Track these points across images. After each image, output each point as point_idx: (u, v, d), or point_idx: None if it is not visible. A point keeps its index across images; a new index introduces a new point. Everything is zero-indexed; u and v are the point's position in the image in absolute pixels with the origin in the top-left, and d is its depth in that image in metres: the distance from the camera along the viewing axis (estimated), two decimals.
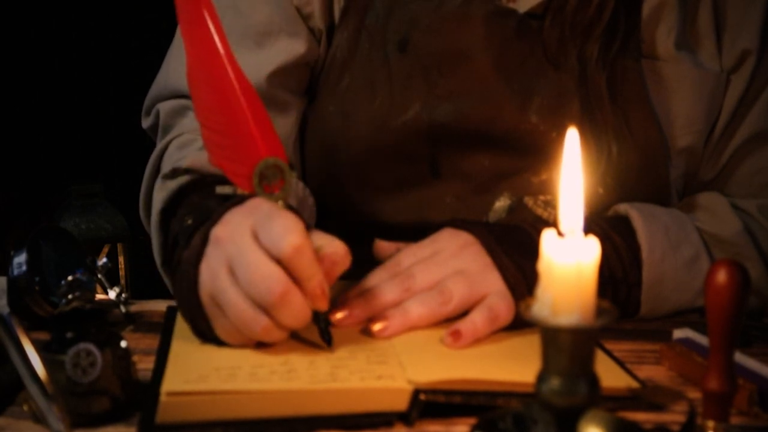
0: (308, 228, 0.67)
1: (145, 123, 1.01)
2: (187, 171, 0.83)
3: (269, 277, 0.62)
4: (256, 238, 0.64)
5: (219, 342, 0.67)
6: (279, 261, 0.63)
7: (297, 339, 0.68)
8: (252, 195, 0.69)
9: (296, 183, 0.91)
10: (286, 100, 0.94)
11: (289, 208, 0.69)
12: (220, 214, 0.68)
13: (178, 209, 0.79)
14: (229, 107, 0.68)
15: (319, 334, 0.67)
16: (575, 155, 0.49)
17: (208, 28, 0.68)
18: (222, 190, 0.73)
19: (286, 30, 0.93)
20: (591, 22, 0.86)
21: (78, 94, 2.44)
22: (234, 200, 0.71)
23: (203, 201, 0.74)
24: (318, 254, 0.65)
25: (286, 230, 0.63)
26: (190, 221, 0.72)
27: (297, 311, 0.63)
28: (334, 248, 0.66)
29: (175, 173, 0.83)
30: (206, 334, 0.68)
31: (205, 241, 0.67)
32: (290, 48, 0.93)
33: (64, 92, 2.44)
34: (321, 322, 0.67)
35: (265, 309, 0.63)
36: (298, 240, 0.63)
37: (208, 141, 0.72)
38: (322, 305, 0.65)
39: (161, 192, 0.83)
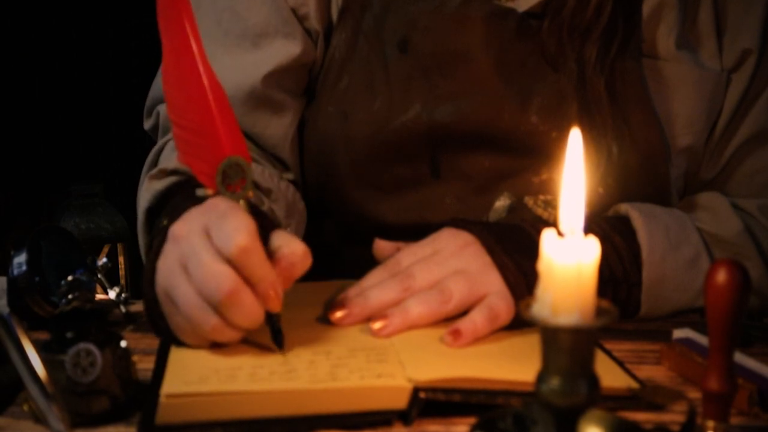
0: (267, 229, 0.67)
1: (147, 124, 1.01)
2: (173, 172, 0.83)
3: (218, 276, 0.62)
4: (209, 236, 0.64)
5: (179, 342, 0.66)
6: (229, 261, 0.63)
7: (248, 342, 0.66)
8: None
9: (286, 187, 0.91)
10: (282, 100, 0.94)
11: (251, 206, 0.68)
12: (181, 212, 0.68)
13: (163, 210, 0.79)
14: (197, 105, 0.68)
15: (271, 336, 0.66)
16: (577, 155, 0.49)
17: (184, 27, 0.69)
18: (200, 192, 0.73)
19: (282, 31, 0.92)
20: (589, 25, 0.86)
21: (78, 95, 2.44)
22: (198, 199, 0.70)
23: (181, 202, 0.74)
24: (276, 254, 0.64)
25: (235, 231, 0.62)
26: (165, 222, 0.71)
27: (247, 311, 0.63)
28: (292, 249, 0.65)
29: (161, 174, 0.83)
30: (165, 332, 0.67)
31: (164, 239, 0.67)
32: (286, 49, 0.92)
33: (64, 92, 2.44)
34: (273, 324, 0.66)
35: (215, 308, 0.63)
36: (245, 241, 0.62)
37: (178, 138, 0.73)
38: (274, 306, 0.64)
39: (147, 192, 0.83)
